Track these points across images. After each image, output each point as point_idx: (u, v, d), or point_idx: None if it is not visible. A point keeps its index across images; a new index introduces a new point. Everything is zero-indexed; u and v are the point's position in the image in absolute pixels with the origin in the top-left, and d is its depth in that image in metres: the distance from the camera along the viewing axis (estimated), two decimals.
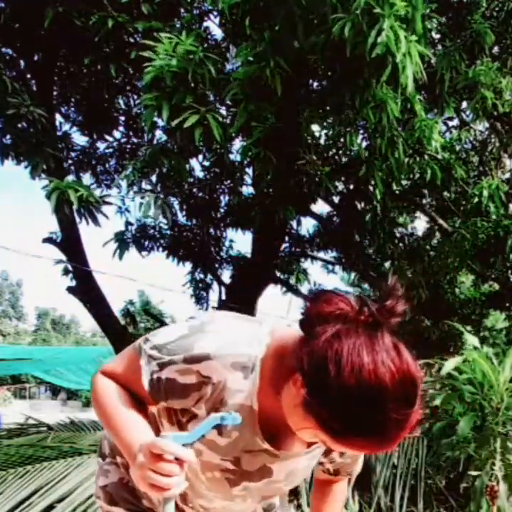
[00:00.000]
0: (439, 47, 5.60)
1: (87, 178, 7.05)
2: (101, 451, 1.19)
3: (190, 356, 0.94)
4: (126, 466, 1.10)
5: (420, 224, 8.79)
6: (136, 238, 6.90)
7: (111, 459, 1.16)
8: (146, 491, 0.86)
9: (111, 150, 7.13)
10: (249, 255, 8.41)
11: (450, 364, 3.13)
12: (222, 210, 7.93)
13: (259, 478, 1.04)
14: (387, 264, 8.10)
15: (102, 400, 1.00)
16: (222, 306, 8.11)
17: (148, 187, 5.35)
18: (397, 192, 6.62)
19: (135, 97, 6.65)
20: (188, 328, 0.97)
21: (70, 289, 7.21)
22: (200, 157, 6.80)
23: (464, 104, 6.22)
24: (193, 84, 4.16)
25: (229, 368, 0.95)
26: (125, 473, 1.13)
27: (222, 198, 7.79)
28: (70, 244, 6.89)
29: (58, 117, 6.58)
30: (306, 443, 1.05)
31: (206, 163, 7.02)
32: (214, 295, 8.60)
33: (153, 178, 5.56)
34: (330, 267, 9.55)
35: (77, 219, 5.02)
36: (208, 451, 1.00)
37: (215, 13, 5.56)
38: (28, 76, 6.29)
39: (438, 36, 5.77)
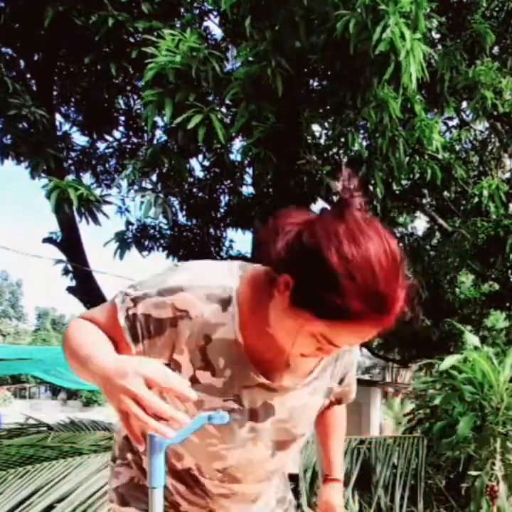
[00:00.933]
0: (439, 47, 5.60)
1: (87, 178, 7.06)
2: (113, 454, 1.17)
3: (164, 288, 0.94)
4: (138, 462, 1.09)
5: (420, 224, 8.79)
6: (136, 238, 6.89)
7: (121, 460, 1.13)
8: (120, 423, 0.79)
9: (111, 150, 7.14)
10: (249, 255, 8.40)
11: (448, 361, 3.13)
12: (222, 210, 7.93)
13: (263, 418, 1.02)
14: None
15: (74, 334, 0.95)
16: None
17: (149, 187, 5.34)
18: (397, 192, 6.62)
19: (135, 96, 6.65)
20: (163, 269, 0.99)
21: (70, 289, 7.21)
22: (200, 157, 6.80)
23: (464, 104, 6.23)
24: (196, 82, 4.16)
25: (205, 301, 0.94)
26: (136, 472, 1.11)
27: (222, 198, 7.79)
28: (70, 244, 6.88)
29: (58, 117, 6.58)
30: (302, 376, 1.03)
31: (206, 163, 7.02)
32: None
33: (154, 177, 5.56)
34: None
35: (78, 218, 5.03)
36: (209, 397, 0.98)
37: (215, 13, 5.56)
38: (28, 76, 6.29)
39: (438, 36, 5.78)
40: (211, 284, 0.95)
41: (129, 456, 1.11)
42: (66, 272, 7.21)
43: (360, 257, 0.82)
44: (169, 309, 0.93)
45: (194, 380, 0.97)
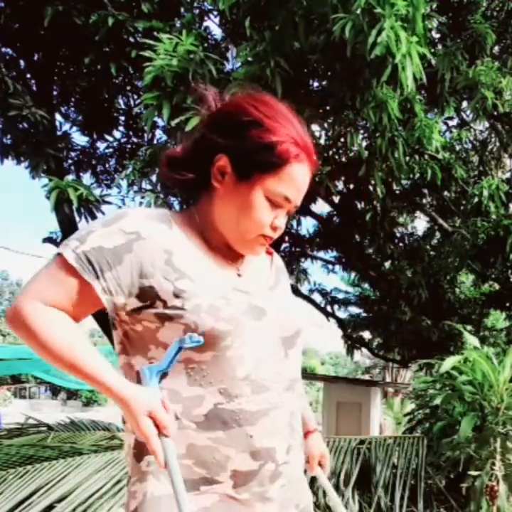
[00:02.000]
0: (440, 47, 5.60)
1: (87, 178, 7.05)
2: (128, 476, 1.10)
3: (107, 220, 0.97)
4: (156, 471, 1.03)
5: (420, 224, 8.79)
6: None
7: (134, 477, 1.05)
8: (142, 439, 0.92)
9: (111, 150, 7.13)
10: None
11: (449, 362, 3.13)
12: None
13: (258, 316, 1.04)
14: (387, 264, 8.10)
15: (43, 326, 0.95)
16: None
17: (149, 187, 5.34)
18: (397, 192, 6.62)
19: (135, 97, 6.65)
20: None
21: None
22: None
23: (464, 104, 6.23)
24: (193, 85, 4.16)
25: (149, 219, 0.99)
26: (148, 484, 1.03)
27: None
28: None
29: (58, 117, 6.58)
30: (265, 283, 1.13)
31: None
32: None
33: (154, 177, 5.55)
34: (330, 266, 9.54)
35: (77, 218, 5.03)
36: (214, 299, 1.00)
37: (215, 13, 5.56)
38: (28, 76, 6.28)
39: (438, 36, 5.77)
40: (150, 211, 1.03)
41: (143, 466, 1.04)
42: None
43: (274, 110, 0.99)
44: (119, 235, 0.95)
45: (178, 293, 0.97)
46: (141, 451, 1.02)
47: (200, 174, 1.02)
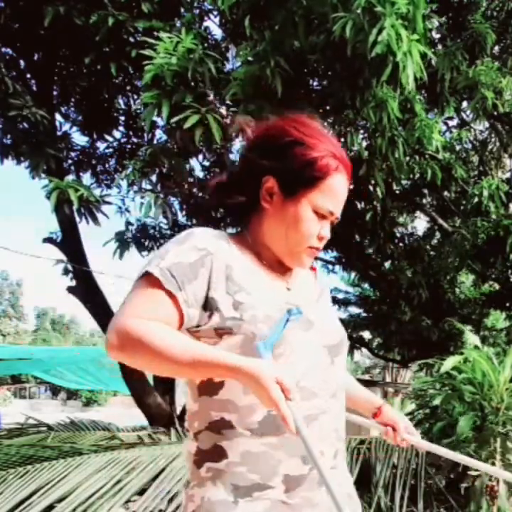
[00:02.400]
0: (440, 47, 5.60)
1: (87, 178, 7.06)
2: (187, 480, 1.15)
3: (179, 239, 1.07)
4: (213, 477, 1.07)
5: (420, 224, 8.79)
6: (136, 238, 6.89)
7: (194, 481, 1.10)
8: (269, 407, 0.95)
9: (111, 150, 7.13)
10: None
11: (449, 362, 3.13)
12: (222, 210, 7.92)
13: (306, 326, 1.10)
14: (387, 264, 8.10)
15: (154, 335, 0.98)
16: None
17: (149, 187, 5.35)
18: (397, 192, 6.62)
19: (135, 96, 6.65)
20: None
21: (70, 289, 7.21)
22: (200, 157, 6.80)
23: (464, 104, 6.22)
24: (193, 83, 4.16)
25: (213, 237, 1.08)
26: (207, 490, 1.07)
27: None
28: (70, 244, 6.88)
29: (58, 117, 6.58)
30: (310, 297, 1.21)
31: (206, 163, 7.02)
32: None
33: (153, 178, 5.56)
34: (330, 266, 9.54)
35: (77, 218, 5.03)
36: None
37: (215, 12, 5.56)
38: (28, 76, 6.29)
39: (438, 36, 5.77)
40: (211, 230, 1.11)
41: (203, 473, 1.08)
42: (66, 271, 7.21)
43: (312, 129, 1.10)
44: (193, 252, 1.04)
45: (237, 305, 1.04)
46: (202, 458, 1.08)
47: (249, 197, 1.11)
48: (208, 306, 1.04)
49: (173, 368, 1.00)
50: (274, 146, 1.08)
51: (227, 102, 4.85)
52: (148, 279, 1.02)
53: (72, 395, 31.91)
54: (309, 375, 1.08)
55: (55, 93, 6.49)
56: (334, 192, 1.09)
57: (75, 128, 6.78)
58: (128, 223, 6.83)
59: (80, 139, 9.60)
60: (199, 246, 1.05)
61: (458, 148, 6.76)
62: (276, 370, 0.96)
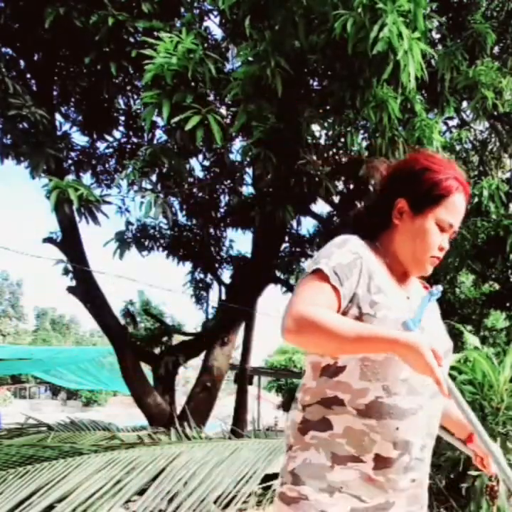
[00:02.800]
0: (440, 47, 5.60)
1: (87, 178, 7.06)
2: (287, 445, 1.33)
3: (337, 243, 1.29)
4: (317, 444, 1.26)
5: None
6: (136, 238, 6.90)
7: (297, 445, 1.29)
8: (424, 372, 1.11)
9: (111, 150, 7.14)
10: (249, 255, 8.41)
11: None
12: (222, 210, 7.93)
13: (420, 332, 1.24)
14: None
15: (326, 318, 1.15)
16: (222, 305, 8.11)
17: (149, 187, 5.34)
18: None
19: (135, 96, 6.65)
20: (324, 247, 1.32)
21: (70, 289, 7.21)
22: (200, 157, 6.80)
23: (464, 104, 6.22)
24: (193, 83, 4.16)
25: (362, 245, 1.31)
26: (309, 453, 1.26)
27: (222, 198, 7.79)
28: (70, 244, 6.89)
29: (58, 117, 6.58)
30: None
31: (206, 163, 7.02)
32: (214, 295, 8.60)
33: (154, 177, 5.56)
34: None
35: (77, 218, 5.03)
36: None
37: (216, 12, 5.56)
38: (28, 76, 6.28)
39: (438, 36, 5.77)
40: (359, 239, 1.33)
41: (307, 438, 1.27)
42: (66, 272, 7.21)
43: (437, 159, 1.35)
44: (350, 254, 1.26)
45: (373, 304, 1.24)
46: (306, 427, 1.28)
47: (383, 217, 1.35)
48: (352, 299, 1.24)
49: (341, 344, 1.16)
50: (408, 173, 1.34)
51: (228, 101, 4.86)
52: (318, 274, 1.22)
53: (72, 395, 31.91)
54: (416, 374, 1.21)
55: (55, 93, 6.49)
56: (455, 208, 1.32)
57: (75, 128, 6.79)
58: (128, 223, 6.84)
59: (80, 139, 9.60)
60: (353, 250, 1.27)
61: (458, 148, 6.76)
62: (428, 341, 1.12)
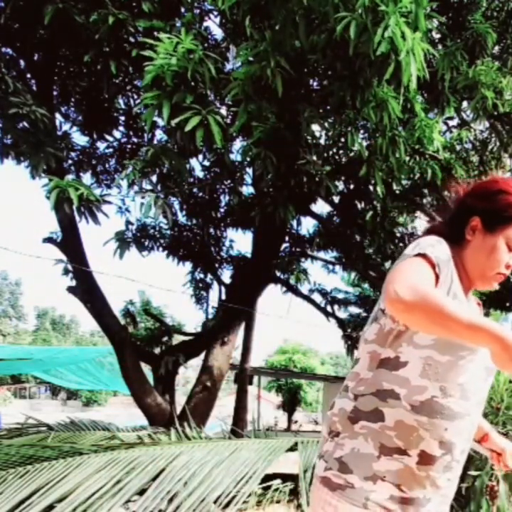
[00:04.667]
0: (440, 47, 5.60)
1: (87, 178, 7.06)
2: (331, 431, 1.37)
3: (436, 241, 1.34)
4: (366, 434, 1.30)
5: (420, 224, 8.78)
6: (136, 238, 6.89)
7: (345, 433, 1.33)
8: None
9: (111, 150, 7.14)
10: (249, 255, 8.41)
11: None
12: (222, 210, 7.93)
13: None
14: (387, 264, 8.10)
15: (444, 299, 1.16)
16: (222, 305, 8.11)
17: (149, 187, 5.34)
18: (397, 192, 6.62)
19: (135, 96, 6.65)
20: (419, 242, 1.35)
21: (70, 289, 7.21)
22: (200, 157, 6.80)
23: (465, 103, 6.22)
24: (193, 84, 4.16)
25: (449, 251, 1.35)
26: (357, 442, 1.31)
27: (222, 198, 7.79)
28: (70, 244, 6.88)
29: (58, 117, 6.58)
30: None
31: (206, 163, 7.02)
32: (214, 295, 8.60)
33: (154, 178, 5.55)
34: (330, 266, 9.55)
35: (77, 218, 5.02)
36: None
37: (216, 12, 5.56)
38: (28, 76, 6.28)
39: (438, 36, 5.77)
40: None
41: (357, 428, 1.31)
42: (66, 272, 7.21)
43: (509, 180, 1.42)
44: (446, 253, 1.32)
45: None
46: (357, 416, 1.32)
47: (456, 233, 1.42)
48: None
49: (451, 327, 1.14)
50: (484, 193, 1.42)
51: (228, 102, 4.86)
52: (424, 258, 1.26)
53: (72, 395, 31.92)
54: (471, 382, 1.33)
55: (55, 93, 6.48)
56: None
57: (75, 128, 6.79)
58: (128, 223, 6.84)
59: (80, 138, 9.60)
60: (447, 251, 1.33)
61: (458, 148, 6.76)
62: None
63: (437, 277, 1.26)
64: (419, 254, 1.27)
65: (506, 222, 1.37)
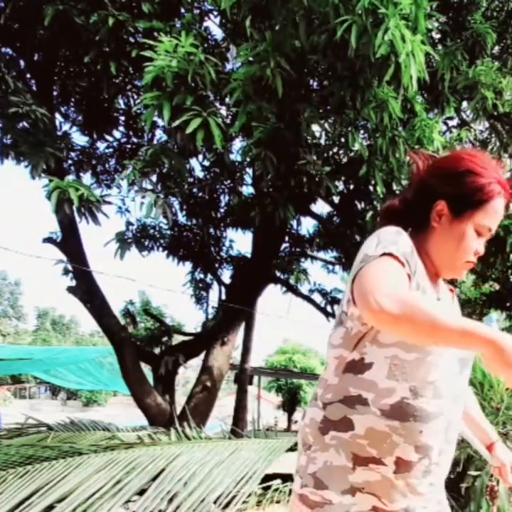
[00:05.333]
0: (440, 47, 5.60)
1: (87, 178, 7.06)
2: (305, 444, 1.29)
3: (395, 232, 1.23)
4: (337, 445, 1.22)
5: None
6: (136, 238, 6.89)
7: (316, 446, 1.25)
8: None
9: (111, 150, 7.14)
10: (249, 255, 8.41)
11: None
12: (222, 210, 7.93)
13: None
14: None
15: (430, 306, 1.06)
16: (222, 305, 8.11)
17: (149, 187, 5.34)
18: (397, 192, 6.61)
19: (135, 96, 6.65)
20: (377, 237, 1.24)
21: (70, 289, 7.21)
22: (200, 157, 6.80)
23: (464, 104, 6.23)
24: (193, 85, 4.16)
25: (408, 246, 1.22)
26: (329, 455, 1.23)
27: (222, 198, 7.80)
28: (70, 244, 6.88)
29: (58, 117, 6.58)
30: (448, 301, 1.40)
31: (206, 163, 7.02)
32: (214, 295, 8.60)
33: (154, 178, 5.56)
34: (330, 267, 9.54)
35: (78, 218, 5.02)
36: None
37: (216, 13, 5.56)
38: (28, 76, 6.28)
39: (438, 36, 5.77)
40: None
41: (327, 439, 1.23)
42: (66, 272, 7.21)
43: (480, 159, 1.27)
44: (407, 246, 1.20)
45: None
46: (327, 427, 1.24)
47: (419, 218, 1.31)
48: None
49: (442, 335, 1.06)
50: (450, 174, 1.28)
51: (228, 102, 4.85)
52: (391, 258, 1.15)
53: (72, 395, 31.92)
54: (443, 377, 1.23)
55: (55, 93, 6.49)
56: (495, 212, 1.28)
57: (75, 128, 6.79)
58: (128, 223, 6.84)
59: (80, 138, 9.60)
60: (408, 242, 1.22)
61: (458, 148, 6.76)
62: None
63: (409, 277, 1.17)
64: (384, 254, 1.15)
65: (475, 206, 1.25)
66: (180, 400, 8.77)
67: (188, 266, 8.31)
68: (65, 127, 6.69)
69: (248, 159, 5.21)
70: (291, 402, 20.23)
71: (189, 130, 4.04)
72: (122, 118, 6.98)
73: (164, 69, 3.98)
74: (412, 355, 1.19)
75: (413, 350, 1.19)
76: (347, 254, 8.20)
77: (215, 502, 3.12)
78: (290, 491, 3.42)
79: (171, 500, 3.07)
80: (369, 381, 1.20)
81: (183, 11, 5.44)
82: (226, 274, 8.63)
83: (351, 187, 6.70)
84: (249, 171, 7.01)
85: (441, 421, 1.24)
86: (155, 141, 6.38)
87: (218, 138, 4.15)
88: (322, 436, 1.25)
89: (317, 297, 9.41)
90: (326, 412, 1.25)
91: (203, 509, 3.06)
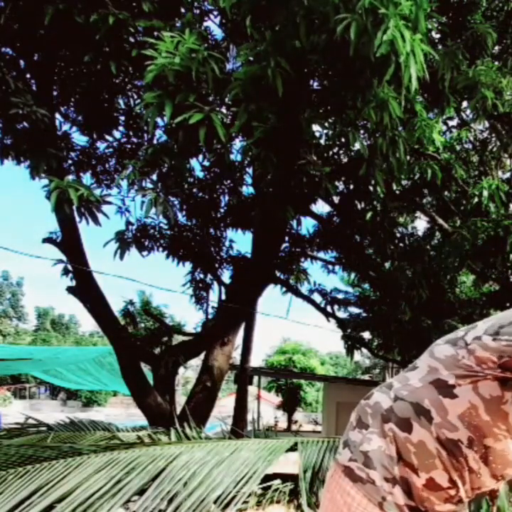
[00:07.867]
0: (440, 46, 5.60)
1: (87, 178, 7.06)
2: (362, 422, 1.35)
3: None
4: (392, 437, 1.28)
5: (420, 224, 8.80)
6: (136, 238, 6.89)
7: (374, 429, 1.32)
8: None
9: (111, 150, 7.13)
10: (249, 255, 8.41)
11: None
12: (222, 210, 7.93)
13: None
14: (387, 264, 8.10)
15: None
16: (222, 305, 8.11)
17: (150, 185, 5.34)
18: (397, 192, 6.62)
19: (135, 96, 6.65)
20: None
21: (70, 289, 7.21)
22: (200, 157, 6.80)
23: (464, 103, 6.22)
24: (195, 83, 4.15)
25: None
26: (383, 442, 1.29)
27: (222, 198, 7.79)
28: (70, 244, 6.88)
29: (58, 117, 6.58)
30: None
31: (206, 163, 7.02)
32: (214, 295, 8.60)
33: (154, 177, 5.55)
34: (330, 267, 9.54)
35: (77, 218, 5.02)
36: None
37: (216, 12, 5.56)
38: (28, 76, 6.28)
39: (438, 36, 5.77)
40: None
41: (386, 428, 1.30)
42: (66, 272, 7.21)
43: None
44: None
45: None
46: (389, 417, 1.29)
47: None
48: None
49: None
50: None
51: (228, 102, 4.85)
52: None
53: (72, 395, 31.91)
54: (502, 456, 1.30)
55: (55, 93, 6.48)
56: None
57: (74, 128, 6.78)
58: (128, 223, 6.84)
59: (80, 139, 9.59)
60: None
61: (458, 148, 6.77)
62: None
63: None
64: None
65: None
66: (180, 400, 8.77)
67: (188, 266, 8.31)
68: (65, 127, 6.69)
69: (248, 159, 5.21)
70: (291, 402, 20.23)
71: (192, 121, 4.02)
72: (122, 118, 6.98)
73: (166, 67, 3.98)
74: (501, 444, 1.25)
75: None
76: (347, 254, 8.21)
77: (215, 502, 3.12)
78: (290, 491, 3.42)
79: (171, 500, 3.07)
80: (444, 407, 1.24)
81: (183, 10, 5.44)
82: (226, 274, 8.63)
83: (351, 187, 6.70)
84: (249, 171, 7.01)
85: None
86: (155, 141, 6.37)
87: (221, 130, 4.14)
88: (382, 423, 1.32)
89: (317, 297, 9.41)
90: (394, 404, 1.31)
91: (203, 509, 3.06)
